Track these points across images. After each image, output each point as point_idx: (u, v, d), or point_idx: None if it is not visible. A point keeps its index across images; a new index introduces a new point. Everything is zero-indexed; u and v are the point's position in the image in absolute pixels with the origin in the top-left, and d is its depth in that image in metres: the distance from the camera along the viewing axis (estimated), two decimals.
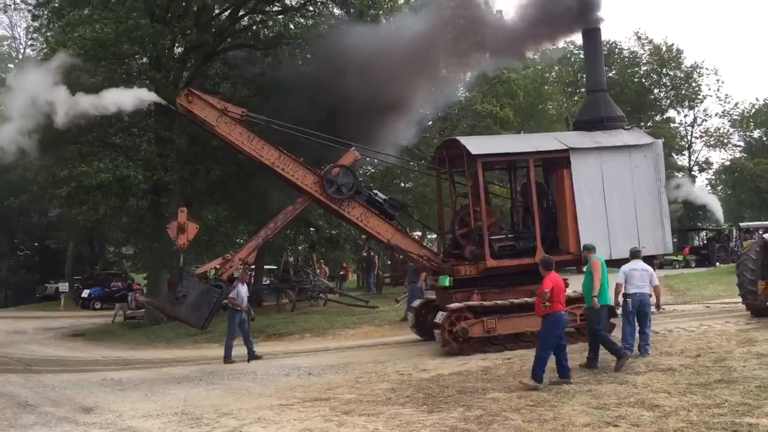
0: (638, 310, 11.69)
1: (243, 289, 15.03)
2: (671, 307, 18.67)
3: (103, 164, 22.56)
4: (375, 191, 15.26)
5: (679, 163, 55.11)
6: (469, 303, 13.59)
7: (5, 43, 54.82)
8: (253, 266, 29.40)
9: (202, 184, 24.06)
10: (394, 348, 15.39)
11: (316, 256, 31.16)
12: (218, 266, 13.57)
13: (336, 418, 8.61)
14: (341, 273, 33.03)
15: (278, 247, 31.21)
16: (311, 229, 30.07)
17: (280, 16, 25.61)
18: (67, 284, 42.35)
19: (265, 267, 32.99)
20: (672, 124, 55.17)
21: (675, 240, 43.25)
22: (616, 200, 14.48)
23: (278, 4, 25.95)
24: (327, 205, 14.65)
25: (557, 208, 14.84)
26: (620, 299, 11.86)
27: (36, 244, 51.88)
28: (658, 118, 54.58)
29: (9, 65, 51.62)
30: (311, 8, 25.84)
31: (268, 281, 32.01)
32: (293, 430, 8.16)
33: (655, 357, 11.34)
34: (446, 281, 14.44)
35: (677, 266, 36.20)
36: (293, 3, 25.74)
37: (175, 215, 13.60)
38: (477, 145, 14.82)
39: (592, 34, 16.46)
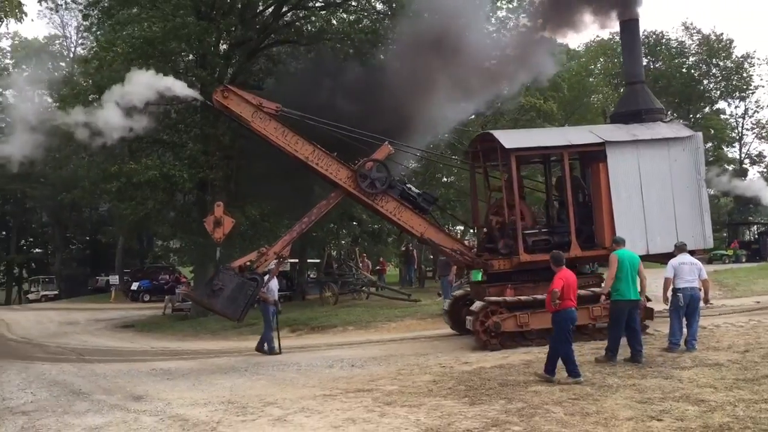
0: (687, 305, 11.52)
1: (274, 283, 15.25)
2: (720, 302, 18.29)
3: (151, 161, 23.11)
4: (408, 185, 15.18)
5: (730, 155, 53.75)
6: (491, 299, 13.52)
7: (57, 42, 56.33)
8: (296, 260, 29.86)
9: (245, 180, 24.37)
10: (436, 341, 15.43)
11: (359, 249, 31.32)
12: (253, 259, 13.78)
13: (378, 408, 8.71)
14: (377, 267, 33.16)
15: (321, 241, 31.51)
16: (354, 223, 30.26)
17: (323, 12, 25.79)
18: (117, 277, 43.57)
19: (309, 261, 33.32)
20: (722, 116, 53.75)
21: (725, 234, 42.24)
22: (653, 194, 14.18)
23: (321, 0, 26.17)
24: (360, 200, 14.62)
25: (593, 202, 14.58)
26: (669, 294, 11.70)
27: (87, 238, 53.52)
28: (707, 109, 53.24)
29: (61, 63, 53.10)
30: (353, 3, 25.97)
31: (312, 275, 32.33)
32: (336, 419, 8.28)
33: (702, 352, 11.17)
34: (478, 276, 14.39)
35: (727, 261, 35.37)
36: None
37: (212, 210, 13.86)
38: (511, 138, 14.62)
39: (629, 24, 16.11)
